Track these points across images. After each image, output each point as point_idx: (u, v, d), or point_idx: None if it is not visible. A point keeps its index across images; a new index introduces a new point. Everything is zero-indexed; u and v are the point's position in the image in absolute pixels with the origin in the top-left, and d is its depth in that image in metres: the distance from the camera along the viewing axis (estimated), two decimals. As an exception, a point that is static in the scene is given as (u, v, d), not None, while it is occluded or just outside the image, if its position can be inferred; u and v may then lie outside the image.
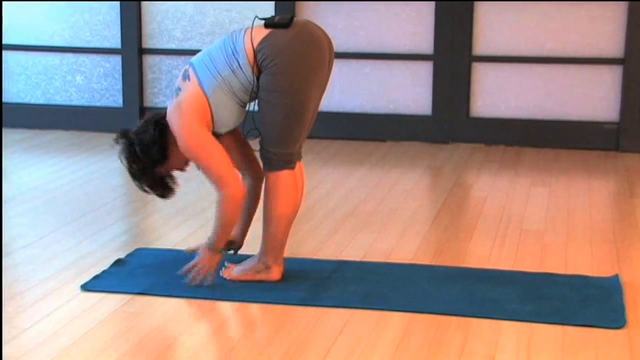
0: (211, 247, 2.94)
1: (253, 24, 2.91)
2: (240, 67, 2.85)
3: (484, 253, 3.36)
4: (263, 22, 2.91)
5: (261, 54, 2.84)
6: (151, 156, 2.92)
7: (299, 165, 3.01)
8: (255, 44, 2.84)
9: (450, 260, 3.27)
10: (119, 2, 5.45)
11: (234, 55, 2.86)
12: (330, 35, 2.99)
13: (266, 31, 2.87)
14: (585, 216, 3.88)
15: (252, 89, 2.88)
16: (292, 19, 2.90)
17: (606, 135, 5.16)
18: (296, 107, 2.87)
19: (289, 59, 2.84)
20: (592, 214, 3.93)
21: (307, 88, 2.87)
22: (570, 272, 3.15)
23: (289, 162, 2.93)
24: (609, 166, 4.86)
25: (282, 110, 2.86)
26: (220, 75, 2.86)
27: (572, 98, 5.19)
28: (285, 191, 2.93)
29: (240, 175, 2.98)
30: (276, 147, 2.90)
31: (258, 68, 2.86)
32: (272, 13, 5.18)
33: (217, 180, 2.88)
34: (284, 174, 2.92)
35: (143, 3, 5.47)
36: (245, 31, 2.89)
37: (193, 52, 2.83)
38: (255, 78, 2.87)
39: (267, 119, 2.88)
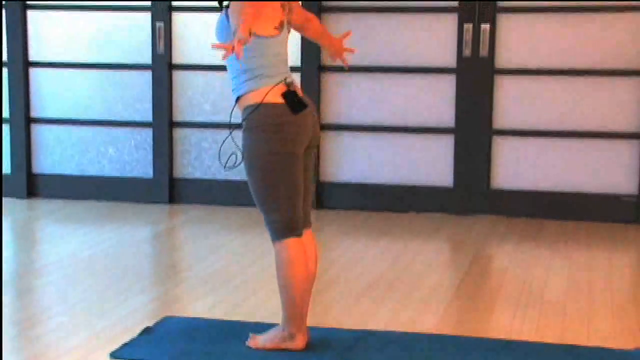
0: (238, 37, 2.62)
1: (285, 82, 2.87)
2: (239, 72, 2.82)
3: (506, 324, 3.39)
4: (286, 87, 2.86)
5: (258, 112, 2.81)
6: None
7: (308, 233, 2.99)
8: (264, 100, 2.81)
9: (473, 331, 3.30)
10: (150, 76, 5.63)
11: (254, 64, 2.80)
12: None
13: (279, 99, 2.84)
14: (606, 288, 3.89)
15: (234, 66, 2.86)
16: (305, 107, 2.87)
17: (625, 208, 5.21)
18: (274, 181, 2.85)
19: (272, 135, 2.81)
20: (613, 285, 3.94)
21: (280, 166, 2.84)
22: (592, 344, 3.16)
23: (293, 229, 2.89)
24: (629, 238, 4.88)
25: (261, 185, 2.86)
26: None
27: (591, 171, 5.25)
28: (294, 261, 2.89)
29: None
30: (273, 214, 2.88)
31: (243, 109, 2.86)
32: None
33: None
34: (291, 242, 2.89)
35: (174, 79, 5.63)
36: (277, 79, 2.84)
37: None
38: (235, 99, 2.87)
39: (254, 191, 2.90)
